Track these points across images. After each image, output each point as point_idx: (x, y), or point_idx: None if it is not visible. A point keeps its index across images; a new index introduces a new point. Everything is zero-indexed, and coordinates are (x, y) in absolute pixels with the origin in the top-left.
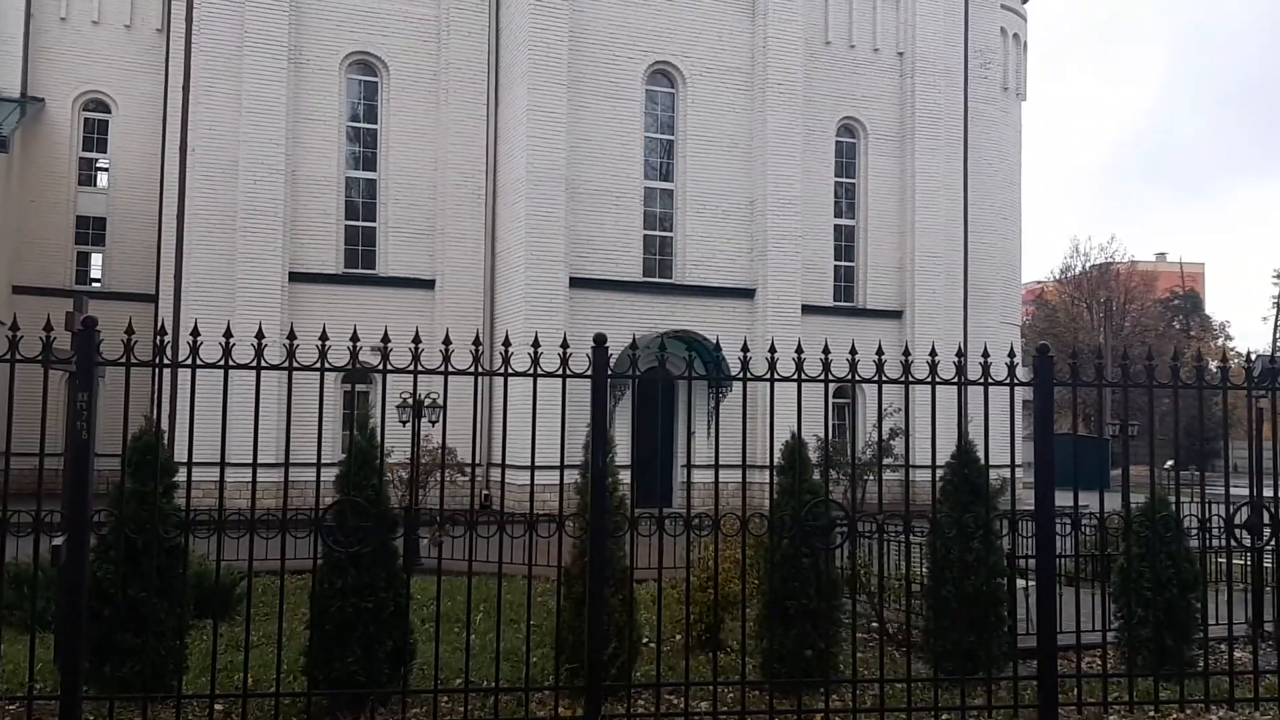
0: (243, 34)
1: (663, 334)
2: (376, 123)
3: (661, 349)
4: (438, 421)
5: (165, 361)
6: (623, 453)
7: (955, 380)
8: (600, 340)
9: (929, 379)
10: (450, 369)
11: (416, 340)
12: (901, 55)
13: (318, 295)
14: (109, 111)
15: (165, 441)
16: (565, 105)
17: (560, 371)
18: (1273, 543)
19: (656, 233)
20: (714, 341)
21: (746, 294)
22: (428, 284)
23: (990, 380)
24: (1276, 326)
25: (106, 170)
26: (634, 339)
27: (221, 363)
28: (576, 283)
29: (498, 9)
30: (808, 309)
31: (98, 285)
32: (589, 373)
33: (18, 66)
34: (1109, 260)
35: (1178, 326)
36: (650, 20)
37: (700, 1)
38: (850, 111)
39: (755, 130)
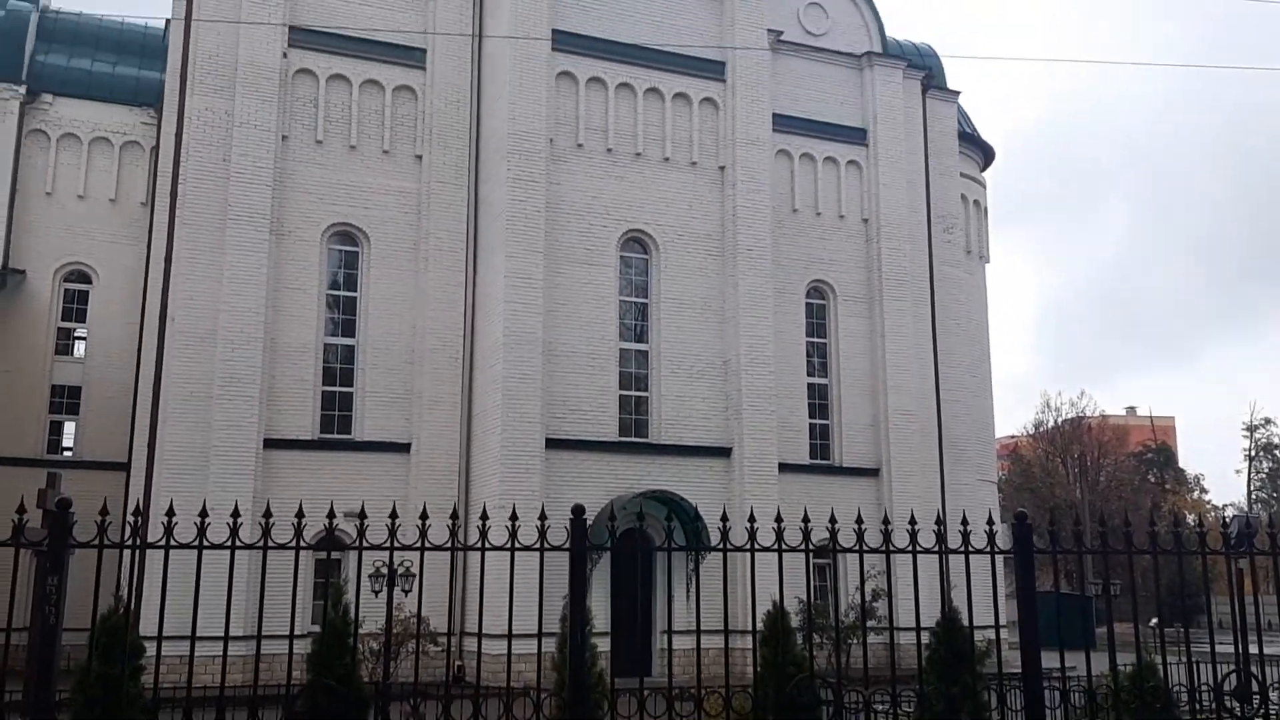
0: (226, 207)
1: (640, 494)
2: (356, 290)
3: (640, 512)
4: (411, 590)
5: (138, 543)
6: (601, 617)
7: (936, 549)
8: (579, 512)
9: (910, 548)
10: (426, 544)
11: (393, 515)
12: (866, 221)
13: (293, 461)
14: (90, 282)
15: (134, 619)
16: (542, 271)
17: (538, 545)
18: (1262, 711)
19: (632, 393)
20: (692, 506)
21: (723, 453)
22: (404, 448)
23: (971, 549)
24: (1250, 480)
25: (84, 339)
26: (612, 508)
27: (196, 543)
28: (553, 444)
29: (477, 182)
30: (785, 467)
31: (69, 454)
32: (567, 545)
33: (0, 239)
34: (1080, 415)
35: (1152, 480)
36: (623, 191)
37: (671, 173)
38: (819, 274)
39: (727, 293)
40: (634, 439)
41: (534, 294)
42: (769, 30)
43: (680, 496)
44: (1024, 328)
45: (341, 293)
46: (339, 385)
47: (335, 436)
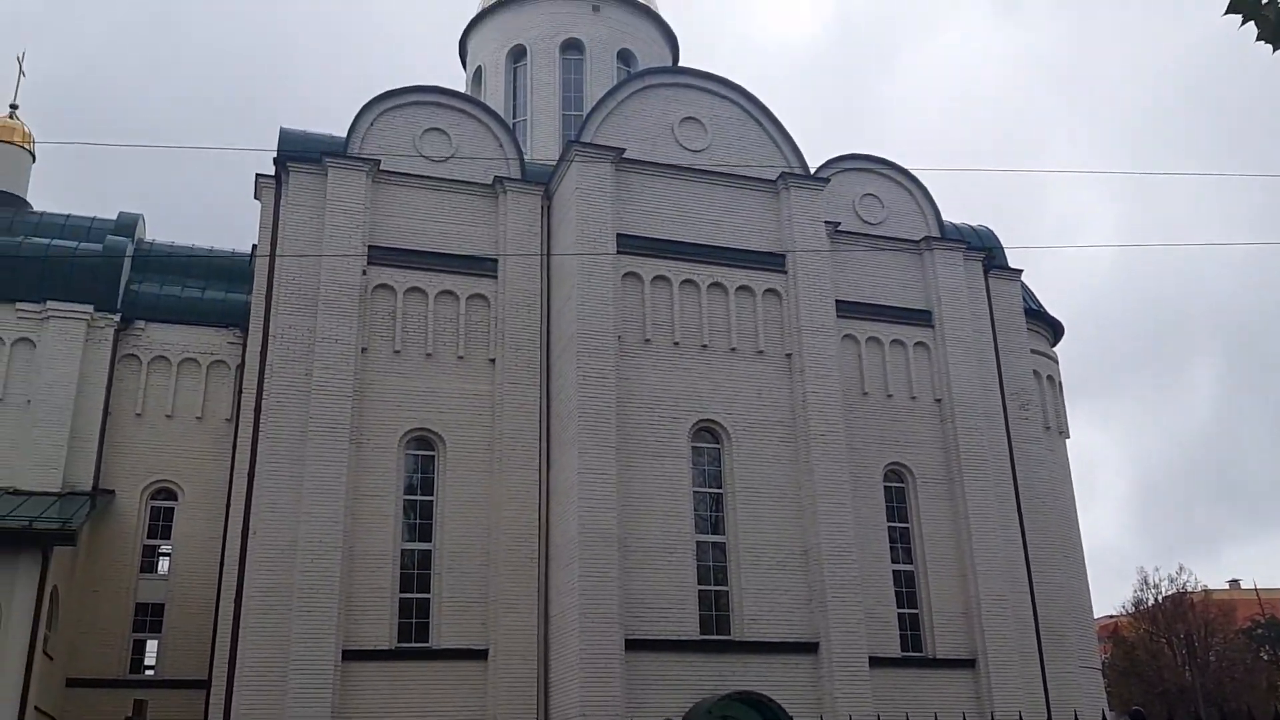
0: (308, 420)
1: (725, 696)
2: (433, 494)
3: (725, 715)
4: None
5: None
6: None
7: None
8: None
9: None
10: None
11: None
12: (939, 402)
13: (372, 673)
14: (175, 499)
15: None
16: (615, 466)
17: None
18: None
19: (711, 587)
20: (780, 708)
21: (809, 648)
22: (481, 654)
23: None
24: None
25: (169, 556)
26: (696, 713)
27: None
28: (633, 644)
29: (548, 382)
30: (875, 661)
31: (151, 673)
32: None
33: (92, 461)
34: (1181, 591)
35: (1265, 658)
36: (692, 382)
37: (738, 363)
38: (896, 457)
39: (803, 480)
40: (715, 636)
41: (608, 489)
42: (826, 222)
43: (767, 697)
44: (1114, 502)
45: (418, 497)
46: (416, 592)
47: (413, 645)
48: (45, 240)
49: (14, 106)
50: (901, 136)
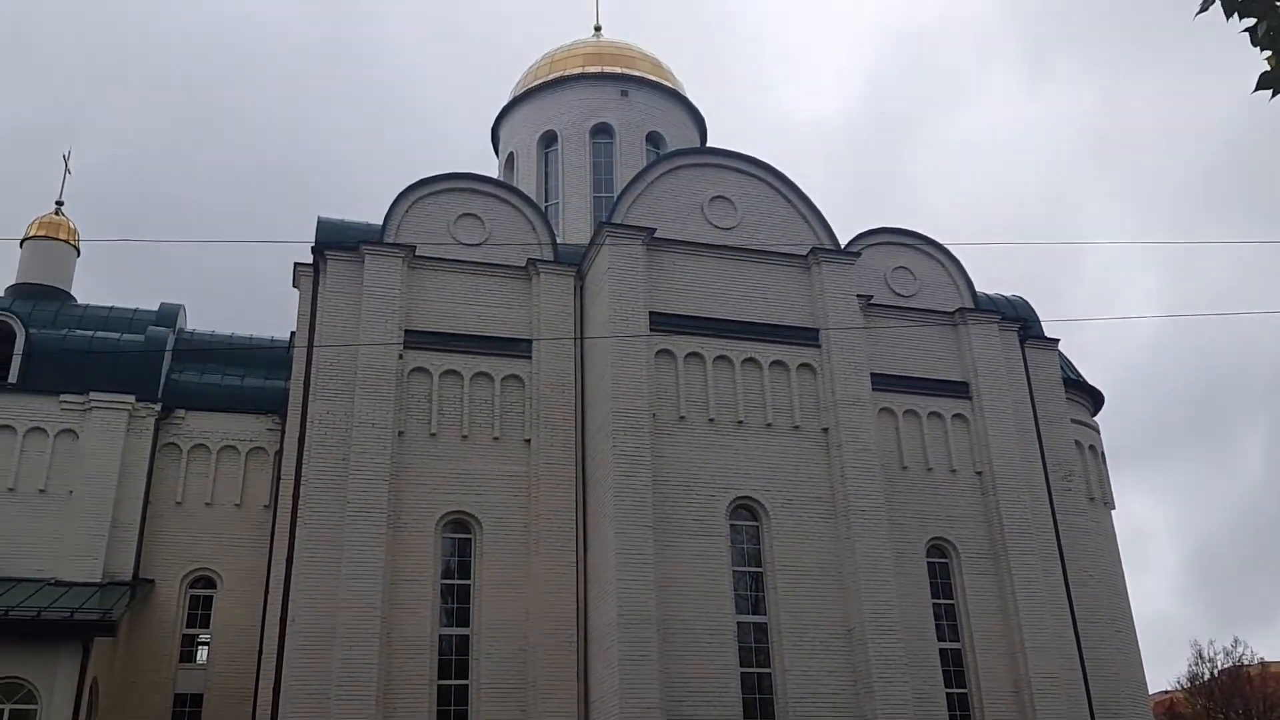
0: (345, 504)
1: None
2: (470, 578)
3: None
4: None
5: None
6: None
7: None
8: None
9: None
10: None
11: None
12: (980, 474)
13: None
14: (214, 587)
15: None
16: (652, 546)
17: None
18: None
19: (754, 669)
20: None
21: None
22: None
23: None
24: None
25: (207, 644)
26: None
27: None
28: None
29: (584, 461)
30: None
31: None
32: None
33: (132, 551)
34: (1238, 664)
35: None
36: (728, 459)
37: (775, 438)
38: (938, 532)
39: (844, 557)
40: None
41: (646, 569)
42: (858, 296)
43: None
44: (1166, 573)
45: (455, 581)
46: (454, 678)
47: None
48: (89, 333)
49: (59, 203)
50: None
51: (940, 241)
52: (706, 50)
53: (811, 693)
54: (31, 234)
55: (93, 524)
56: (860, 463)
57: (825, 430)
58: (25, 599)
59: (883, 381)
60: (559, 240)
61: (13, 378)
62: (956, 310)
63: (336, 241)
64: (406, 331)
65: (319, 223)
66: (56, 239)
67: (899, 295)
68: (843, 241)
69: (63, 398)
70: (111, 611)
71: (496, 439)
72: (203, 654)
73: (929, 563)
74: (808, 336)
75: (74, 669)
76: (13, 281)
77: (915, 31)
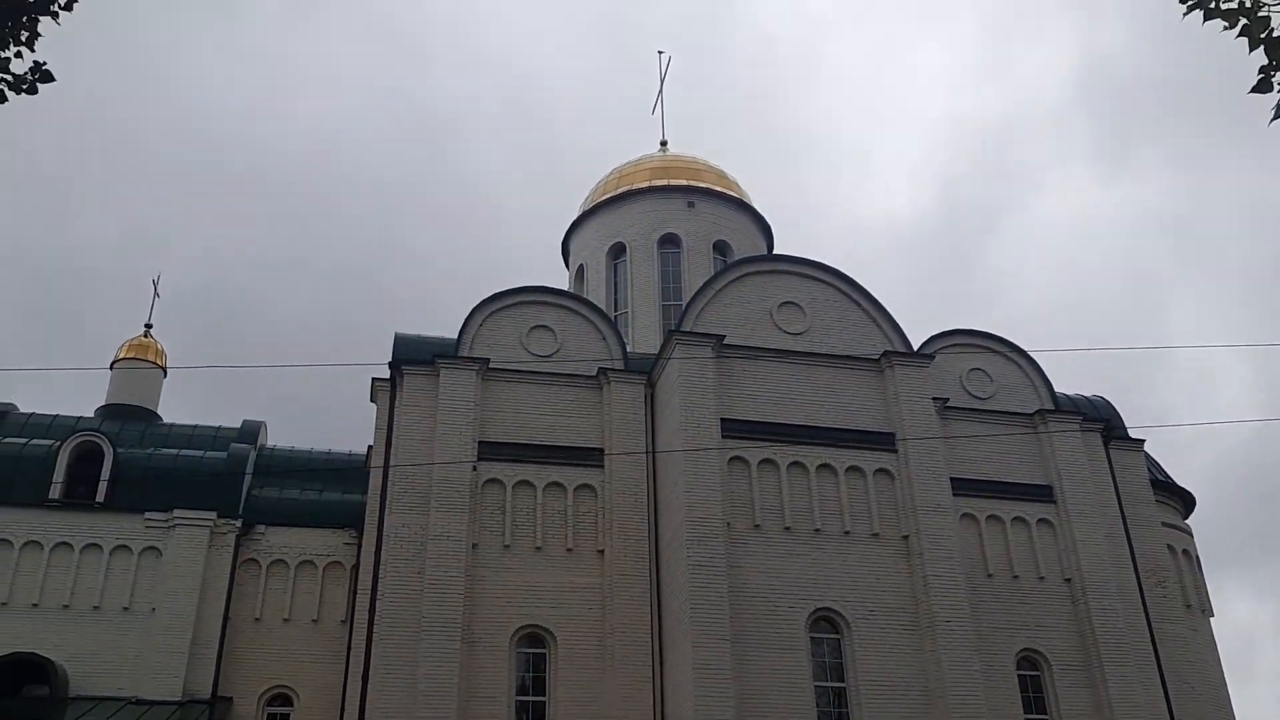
0: (420, 619)
1: None
2: (545, 694)
3: None
4: None
5: None
6: None
7: None
8: None
9: None
10: None
11: None
12: (1069, 581)
13: None
14: (290, 705)
15: None
16: (730, 660)
17: None
18: None
19: None
20: None
21: None
22: None
23: None
24: None
25: None
26: None
27: None
28: None
29: (658, 572)
30: None
31: None
32: None
33: (211, 669)
34: None
35: None
36: (806, 568)
37: (853, 547)
38: (1028, 642)
39: (929, 670)
40: None
41: (724, 684)
42: (934, 399)
43: None
44: (1272, 680)
45: (530, 698)
46: None
47: None
48: (174, 451)
49: (148, 326)
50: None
51: (1017, 344)
52: (773, 156)
53: None
54: (121, 356)
55: (174, 642)
56: (943, 571)
57: (905, 538)
58: (106, 719)
59: (963, 486)
60: (629, 349)
61: (100, 497)
62: (1036, 412)
63: (413, 357)
64: (480, 443)
65: (396, 339)
66: (145, 360)
67: (976, 397)
68: (916, 343)
69: (147, 516)
70: None
71: (570, 550)
72: None
73: (1019, 675)
74: (884, 441)
75: None
76: (103, 402)
77: (987, 124)
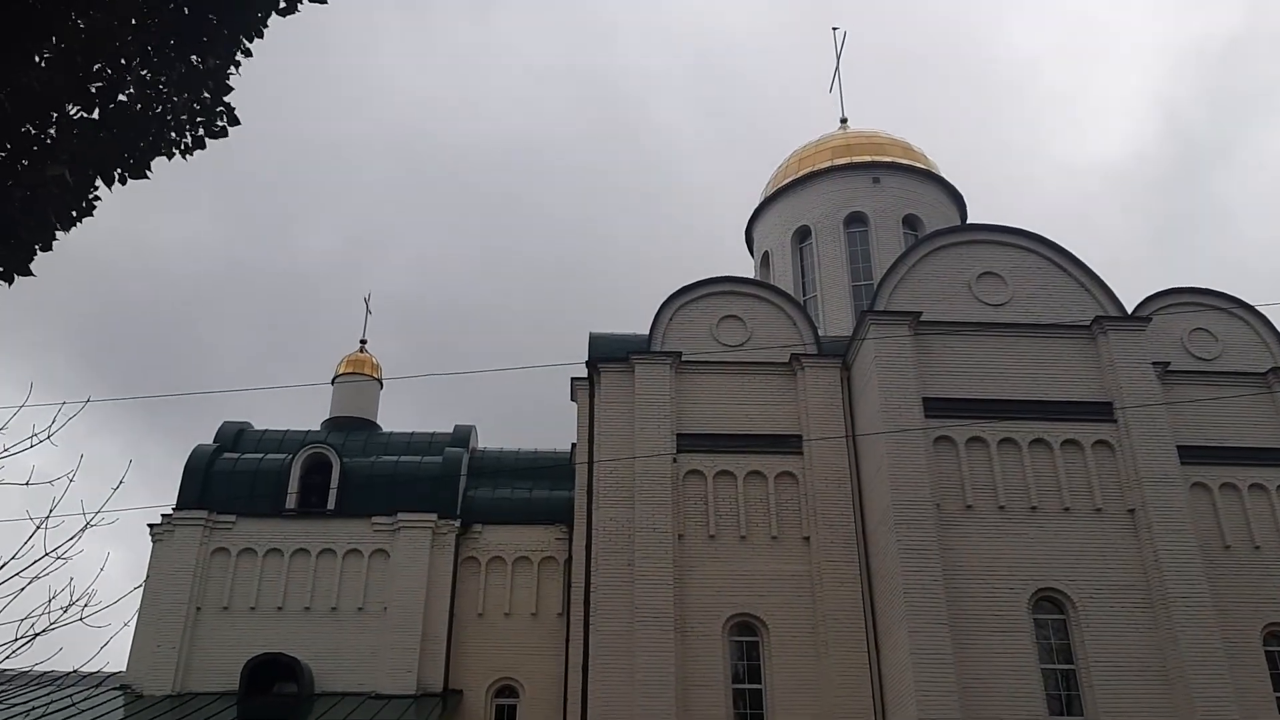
0: (633, 610)
1: None
2: (760, 682)
3: None
4: None
5: None
6: None
7: None
8: None
9: None
10: None
11: None
12: None
13: None
14: (517, 696)
15: None
16: (950, 645)
17: None
18: None
19: None
20: None
21: None
22: None
23: None
24: None
25: None
26: None
27: None
28: None
29: (866, 557)
30: None
31: None
32: None
33: (441, 663)
34: None
35: None
36: (1024, 548)
37: (1074, 523)
38: (1275, 617)
39: (1167, 650)
40: None
41: (944, 671)
42: (1154, 364)
43: None
44: None
45: (745, 686)
46: None
47: None
48: (393, 458)
49: (363, 341)
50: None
51: (1243, 299)
52: (964, 119)
53: None
54: (341, 372)
55: (406, 638)
56: (1175, 545)
57: (1131, 511)
58: (350, 713)
59: (1192, 454)
60: (820, 333)
61: (330, 505)
62: (1270, 370)
63: (608, 355)
64: (679, 435)
65: (591, 338)
66: (362, 374)
67: (1200, 359)
68: (1130, 305)
69: (374, 520)
70: None
71: (775, 538)
72: None
73: (1267, 652)
74: (1101, 411)
75: None
76: (327, 414)
77: (1213, 48)
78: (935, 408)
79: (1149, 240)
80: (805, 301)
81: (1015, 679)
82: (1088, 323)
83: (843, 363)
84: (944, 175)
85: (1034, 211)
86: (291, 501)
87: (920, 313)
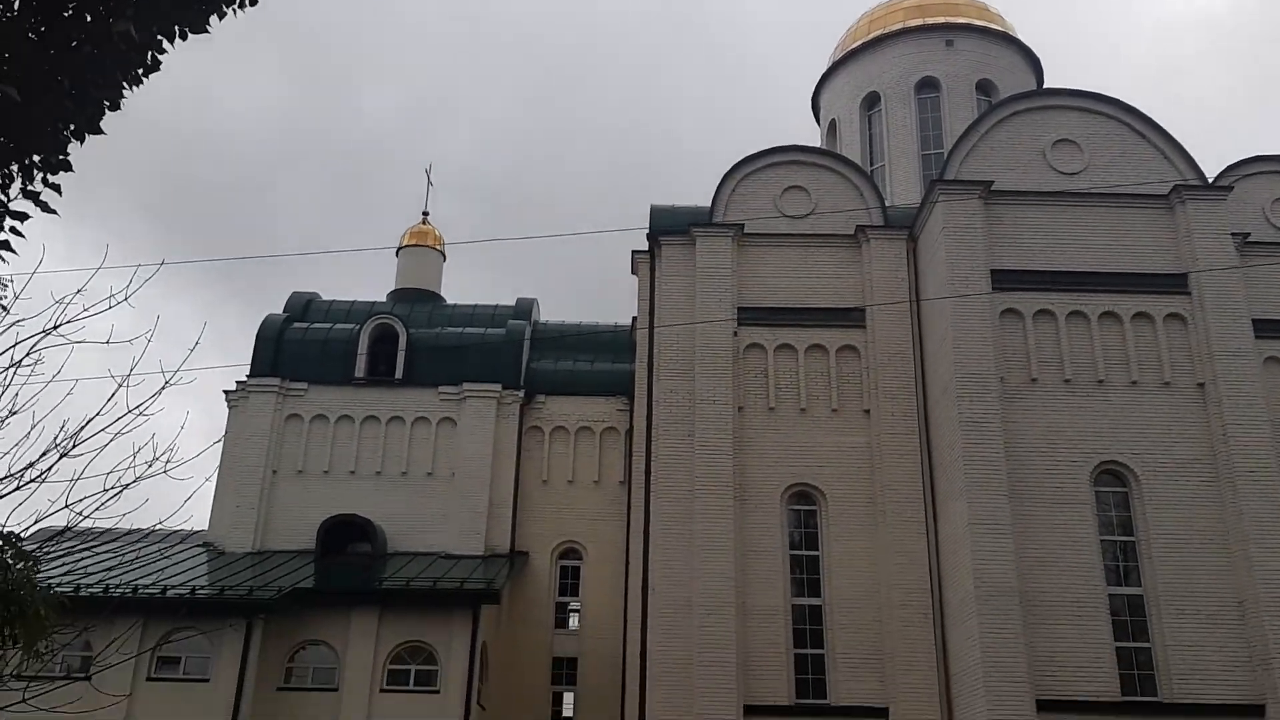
0: (693, 479)
1: None
2: (817, 549)
3: None
4: None
5: None
6: None
7: None
8: None
9: None
10: None
11: None
12: None
13: None
14: (580, 559)
15: None
16: (1009, 516)
17: None
18: None
19: (1129, 644)
20: None
21: (1254, 710)
22: (881, 712)
23: None
24: None
25: (578, 612)
26: None
27: None
28: (1045, 705)
29: (927, 430)
30: None
31: None
32: None
33: (508, 526)
34: None
35: None
36: (1089, 422)
37: (1141, 397)
38: None
39: (1230, 524)
40: (1139, 698)
41: (1003, 540)
42: (1233, 234)
43: None
44: None
45: (803, 553)
46: (810, 648)
47: (811, 702)
48: (457, 329)
49: (425, 214)
50: None
51: None
52: None
53: (1199, 668)
54: (405, 244)
55: (474, 503)
56: (1245, 419)
57: (1201, 385)
58: (422, 571)
59: (1267, 328)
60: (887, 204)
61: (398, 374)
62: None
63: (669, 227)
64: (740, 309)
65: (652, 210)
66: (425, 246)
67: None
68: (1212, 174)
69: (440, 389)
70: (495, 581)
71: (835, 411)
72: (575, 620)
73: None
74: (1175, 283)
75: (466, 634)
76: (392, 287)
77: None
78: (1003, 280)
79: (1245, 102)
80: (872, 171)
81: (1073, 551)
82: (1166, 192)
83: (909, 234)
84: (1021, 38)
85: (1118, 75)
86: (360, 370)
87: (991, 182)
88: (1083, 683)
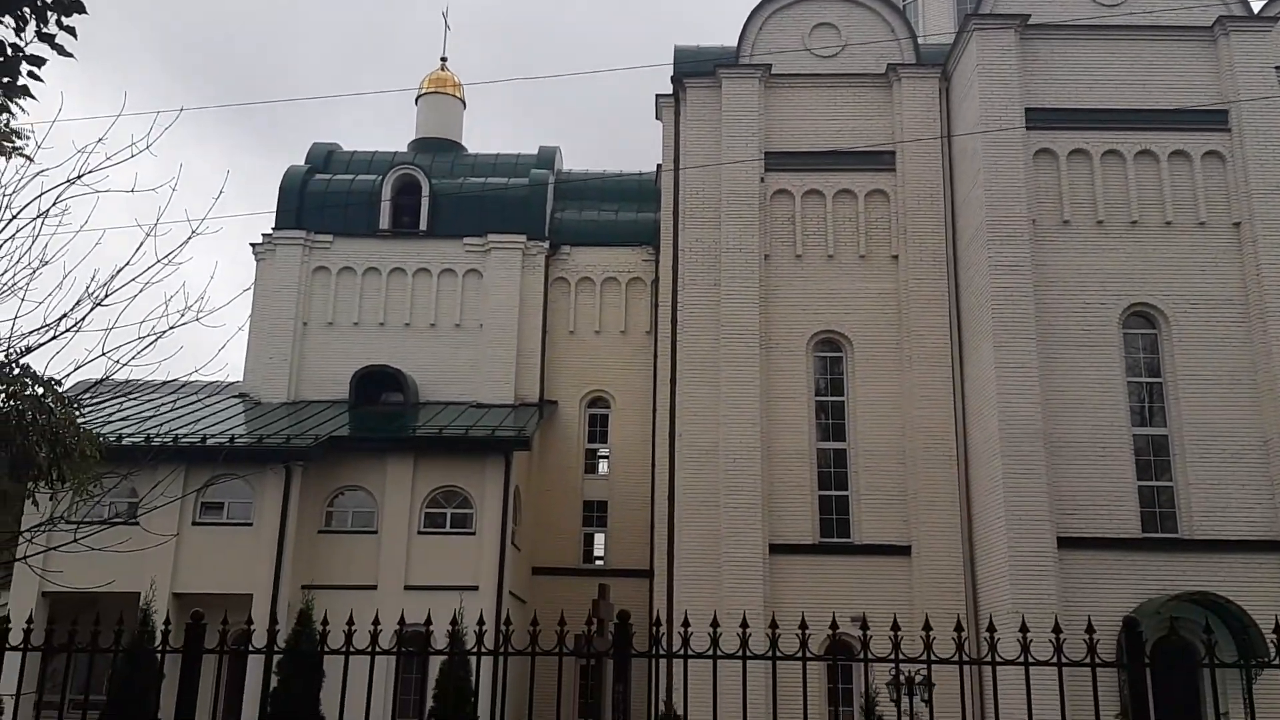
0: (719, 327)
1: (1173, 597)
2: (843, 394)
3: (1172, 618)
4: (929, 700)
5: (661, 652)
6: None
7: None
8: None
9: None
10: (933, 657)
11: (895, 628)
12: None
13: (797, 565)
14: (608, 406)
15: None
16: (1035, 358)
17: (1055, 660)
18: None
19: (1152, 483)
20: (1241, 611)
21: (1273, 546)
22: (904, 550)
23: None
24: None
25: (607, 458)
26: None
27: (710, 653)
28: (1065, 543)
29: (956, 275)
30: None
31: (601, 563)
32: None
33: (536, 375)
34: None
35: None
36: (1120, 263)
37: (1175, 237)
38: None
39: (1259, 364)
40: (1159, 535)
41: (1029, 382)
42: (1276, 68)
43: (1224, 599)
44: None
45: (829, 398)
46: (834, 489)
47: (834, 540)
48: (480, 179)
49: (444, 59)
50: None
51: None
52: None
53: (1220, 506)
54: (424, 90)
55: (502, 353)
56: (1279, 259)
57: (1237, 225)
58: (454, 419)
59: None
60: (920, 40)
61: (422, 225)
62: None
63: (694, 69)
64: (767, 154)
65: (676, 51)
66: (444, 92)
67: None
68: (1259, 3)
69: (465, 240)
70: (526, 428)
71: (863, 257)
72: (603, 466)
73: None
74: (1215, 120)
75: (499, 478)
76: (413, 137)
77: None
78: (1038, 118)
79: None
80: (905, 6)
81: (1099, 392)
82: (1209, 24)
83: (942, 73)
84: None
85: None
86: (385, 221)
87: (1028, 15)
88: (1104, 520)
